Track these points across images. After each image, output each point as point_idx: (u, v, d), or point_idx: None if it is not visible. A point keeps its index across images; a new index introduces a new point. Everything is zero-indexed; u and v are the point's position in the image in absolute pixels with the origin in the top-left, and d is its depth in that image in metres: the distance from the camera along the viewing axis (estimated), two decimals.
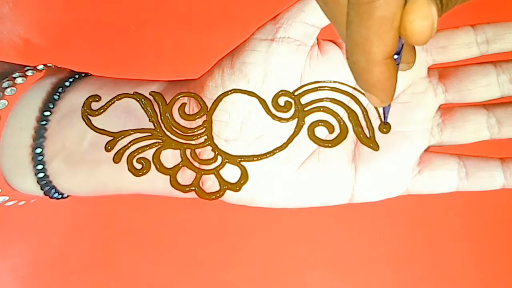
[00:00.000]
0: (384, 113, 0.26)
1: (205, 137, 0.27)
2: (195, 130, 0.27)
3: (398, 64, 0.20)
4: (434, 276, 0.30)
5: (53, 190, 0.28)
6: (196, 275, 0.31)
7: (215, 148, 0.27)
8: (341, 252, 0.30)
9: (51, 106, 0.28)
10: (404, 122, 0.27)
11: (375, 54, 0.19)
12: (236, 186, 0.27)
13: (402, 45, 0.20)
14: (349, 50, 0.20)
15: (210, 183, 0.27)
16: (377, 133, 0.27)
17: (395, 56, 0.20)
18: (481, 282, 0.30)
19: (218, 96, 0.27)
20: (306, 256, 0.30)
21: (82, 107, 0.28)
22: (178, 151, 0.27)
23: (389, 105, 0.25)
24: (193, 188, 0.27)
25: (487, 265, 0.30)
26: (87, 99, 0.28)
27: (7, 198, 0.28)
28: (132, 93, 0.28)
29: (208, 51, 0.29)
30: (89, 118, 0.28)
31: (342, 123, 0.27)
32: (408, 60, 0.23)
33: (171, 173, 0.27)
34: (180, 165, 0.27)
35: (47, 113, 0.28)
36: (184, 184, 0.27)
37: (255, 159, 0.27)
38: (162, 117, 0.28)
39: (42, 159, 0.27)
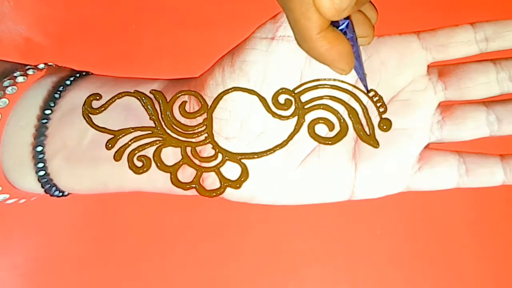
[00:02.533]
0: (362, 84, 0.27)
1: (206, 135, 0.27)
2: (196, 128, 0.28)
3: (351, 38, 0.24)
4: (435, 273, 0.30)
5: (53, 188, 0.28)
6: (197, 272, 0.31)
7: (215, 145, 0.27)
8: (341, 248, 0.30)
9: (52, 104, 0.28)
10: (404, 119, 0.27)
11: (307, 31, 0.22)
12: (237, 184, 0.27)
13: (348, 19, 0.24)
14: (294, 35, 0.23)
15: (211, 181, 0.27)
16: (377, 130, 0.27)
17: (342, 28, 0.23)
18: (484, 278, 0.30)
19: (219, 94, 0.27)
20: (307, 253, 0.30)
21: (83, 105, 0.28)
22: (178, 149, 0.27)
23: (364, 75, 0.27)
24: (194, 185, 0.27)
25: (490, 261, 0.30)
26: (88, 97, 0.28)
27: (7, 196, 0.28)
28: (132, 91, 0.28)
29: (208, 49, 0.29)
30: (89, 117, 0.28)
31: (342, 121, 0.27)
32: (364, 34, 0.26)
33: (172, 170, 0.27)
34: (181, 163, 0.27)
35: (48, 112, 0.28)
36: (185, 182, 0.27)
37: (255, 156, 0.27)
38: (162, 115, 0.28)
39: (43, 157, 0.27)
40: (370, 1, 0.27)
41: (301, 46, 0.23)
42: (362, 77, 0.27)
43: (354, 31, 0.25)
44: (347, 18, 0.24)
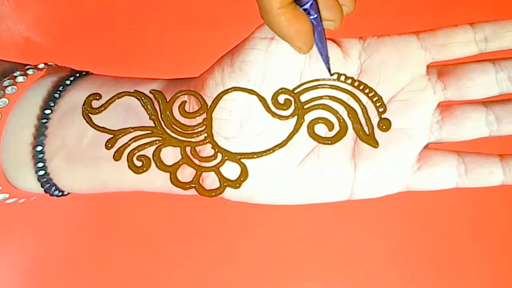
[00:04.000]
0: (326, 66, 0.27)
1: (205, 134, 0.27)
2: (195, 127, 0.28)
3: (315, 18, 0.24)
4: (434, 273, 0.30)
5: (53, 188, 0.28)
6: (196, 272, 0.31)
7: (215, 145, 0.27)
8: (341, 248, 0.30)
9: (52, 104, 0.28)
10: (403, 119, 0.27)
11: (268, 5, 0.23)
12: (236, 183, 0.27)
13: (313, 0, 0.24)
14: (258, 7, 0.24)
15: (210, 180, 0.27)
16: (377, 130, 0.27)
17: (306, 7, 0.24)
18: (484, 277, 0.30)
19: (218, 94, 0.27)
20: (306, 253, 0.30)
21: (83, 105, 0.28)
22: (178, 149, 0.27)
23: (327, 58, 0.27)
24: (193, 185, 0.27)
25: (489, 261, 0.30)
26: (87, 97, 0.28)
27: (7, 195, 0.28)
28: (132, 91, 0.28)
29: (208, 49, 0.29)
30: (89, 116, 0.28)
31: (341, 121, 0.27)
32: (330, 17, 0.26)
33: (171, 170, 0.27)
34: (180, 163, 0.27)
35: (47, 111, 0.28)
36: (184, 182, 0.27)
37: (255, 156, 0.27)
38: (162, 115, 0.28)
39: (43, 157, 0.27)
40: None
41: (263, 18, 0.24)
42: (325, 60, 0.27)
43: (319, 12, 0.25)
44: None
